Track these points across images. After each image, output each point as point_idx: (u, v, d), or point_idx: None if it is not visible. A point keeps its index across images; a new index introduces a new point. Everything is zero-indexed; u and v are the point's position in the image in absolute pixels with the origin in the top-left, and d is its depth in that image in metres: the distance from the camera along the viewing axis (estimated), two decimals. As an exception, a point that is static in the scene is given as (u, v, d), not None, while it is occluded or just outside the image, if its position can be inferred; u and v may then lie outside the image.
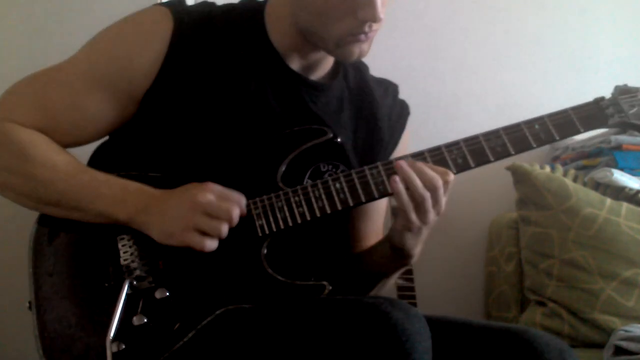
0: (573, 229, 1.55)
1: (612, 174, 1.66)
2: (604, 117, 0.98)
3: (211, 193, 0.91)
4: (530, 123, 0.97)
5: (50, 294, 0.96)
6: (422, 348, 0.77)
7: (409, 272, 1.66)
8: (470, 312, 1.90)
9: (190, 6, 1.05)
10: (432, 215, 0.94)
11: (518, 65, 1.93)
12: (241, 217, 0.94)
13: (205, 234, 0.90)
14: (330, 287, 0.94)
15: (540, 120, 0.97)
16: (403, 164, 0.93)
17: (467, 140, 0.97)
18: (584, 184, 1.66)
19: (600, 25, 1.96)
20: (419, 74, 1.95)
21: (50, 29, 1.54)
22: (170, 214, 0.92)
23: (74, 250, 0.98)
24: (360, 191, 0.95)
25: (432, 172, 0.93)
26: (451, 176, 0.94)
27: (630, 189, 1.64)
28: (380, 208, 1.19)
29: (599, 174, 1.68)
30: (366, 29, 0.95)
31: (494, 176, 1.87)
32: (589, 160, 1.77)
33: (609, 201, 1.57)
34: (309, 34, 0.99)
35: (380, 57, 1.70)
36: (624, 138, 1.73)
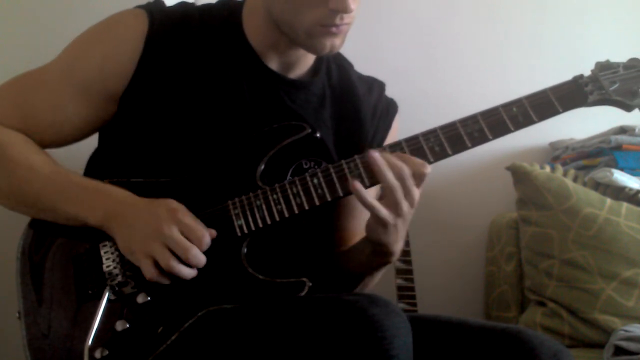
0: (573, 229, 1.55)
1: (612, 174, 1.66)
2: (583, 95, 0.95)
3: (176, 226, 0.90)
4: (508, 106, 0.95)
5: (37, 303, 0.97)
6: (400, 343, 0.77)
7: (409, 272, 1.66)
8: (470, 312, 1.90)
9: (167, 7, 1.06)
10: (405, 207, 0.91)
11: (518, 66, 1.93)
12: (220, 218, 0.95)
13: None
14: (311, 284, 0.93)
15: (518, 102, 0.95)
16: (374, 154, 0.92)
17: (443, 127, 0.94)
18: (584, 184, 1.66)
19: (600, 25, 1.96)
20: (417, 74, 1.94)
21: (50, 29, 1.54)
22: (134, 232, 0.92)
23: (60, 259, 0.99)
24: (337, 185, 0.94)
25: (398, 162, 0.91)
26: (428, 168, 0.91)
27: (630, 189, 1.64)
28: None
29: (599, 174, 1.68)
30: (337, 20, 0.93)
31: (494, 176, 1.88)
32: (589, 160, 1.78)
33: (609, 201, 1.57)
34: (281, 24, 0.98)
35: (379, 58, 1.71)
36: (624, 138, 1.73)
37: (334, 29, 0.94)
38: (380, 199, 0.93)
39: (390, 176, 0.90)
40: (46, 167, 1.00)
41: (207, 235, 0.92)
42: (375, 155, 0.91)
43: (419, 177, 0.91)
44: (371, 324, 0.76)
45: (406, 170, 0.90)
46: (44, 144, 1.04)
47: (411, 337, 0.80)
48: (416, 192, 0.92)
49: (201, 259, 0.91)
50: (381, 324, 0.76)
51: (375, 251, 0.99)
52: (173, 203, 0.93)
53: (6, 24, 1.56)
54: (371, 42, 1.91)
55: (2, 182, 1.01)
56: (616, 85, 0.96)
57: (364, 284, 1.10)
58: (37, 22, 1.55)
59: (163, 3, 1.06)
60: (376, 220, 0.93)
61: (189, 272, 0.91)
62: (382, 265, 1.04)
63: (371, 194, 1.17)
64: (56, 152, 1.07)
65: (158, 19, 1.02)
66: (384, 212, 0.91)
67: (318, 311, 0.82)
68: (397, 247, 0.98)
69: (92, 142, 1.11)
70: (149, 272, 0.90)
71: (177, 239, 0.90)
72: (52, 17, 1.54)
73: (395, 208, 0.91)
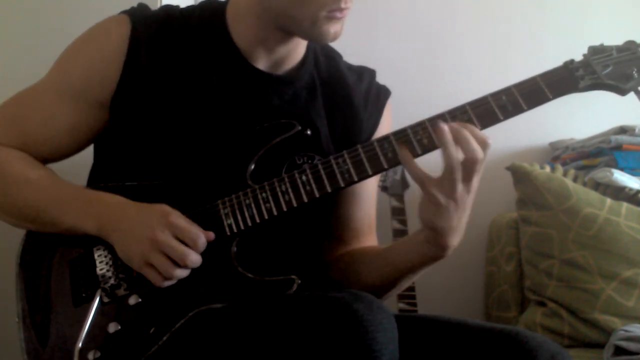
0: (573, 229, 1.55)
1: (612, 174, 1.66)
2: (574, 81, 0.92)
3: (170, 230, 0.91)
4: (497, 95, 0.92)
5: (35, 307, 0.98)
6: (384, 339, 0.77)
7: (409, 272, 1.66)
8: (470, 312, 1.90)
9: (150, 11, 1.06)
10: (459, 189, 0.87)
11: (518, 66, 1.93)
12: (210, 218, 0.95)
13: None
14: (300, 281, 0.93)
15: (507, 91, 0.92)
16: (444, 127, 0.88)
17: (432, 119, 0.92)
18: (584, 184, 1.66)
19: (600, 26, 1.96)
20: (418, 74, 1.95)
21: (50, 29, 1.54)
22: (130, 238, 0.92)
23: (57, 263, 1.00)
24: (325, 181, 0.93)
25: (475, 143, 0.87)
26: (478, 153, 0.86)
27: (630, 189, 1.64)
28: (369, 195, 1.17)
29: (599, 174, 1.68)
30: (342, 4, 0.94)
31: (494, 176, 1.87)
32: (589, 160, 1.78)
33: (609, 201, 1.58)
34: (281, 18, 0.97)
35: (380, 58, 1.71)
36: (624, 138, 1.74)
37: (338, 14, 0.95)
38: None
39: (454, 152, 0.86)
40: (43, 181, 1.01)
41: (202, 237, 0.92)
42: (444, 128, 0.87)
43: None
44: (355, 319, 0.77)
45: (479, 155, 0.86)
46: (43, 159, 1.06)
47: (396, 333, 0.80)
48: (475, 178, 0.88)
49: (198, 261, 0.92)
50: (365, 319, 0.77)
51: (429, 240, 0.95)
52: (165, 207, 0.93)
53: (6, 24, 1.56)
54: (370, 41, 1.92)
55: (2, 201, 1.02)
56: (609, 69, 0.93)
57: (404, 283, 1.06)
58: (37, 22, 1.55)
59: (147, 7, 1.07)
60: (428, 198, 0.90)
61: (186, 273, 0.92)
62: (432, 260, 0.98)
63: (372, 192, 1.18)
64: (58, 165, 1.08)
65: (141, 23, 1.02)
66: (433, 189, 0.88)
67: (304, 308, 0.82)
68: (452, 240, 0.93)
69: (92, 151, 1.12)
70: (156, 280, 0.91)
71: (173, 245, 0.90)
72: (52, 17, 1.54)
73: (448, 187, 0.87)
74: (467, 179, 0.88)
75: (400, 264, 1.02)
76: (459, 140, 0.87)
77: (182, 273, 0.91)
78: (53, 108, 1.03)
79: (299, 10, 0.94)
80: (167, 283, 0.92)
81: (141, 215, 0.93)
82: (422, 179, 0.89)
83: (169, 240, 0.90)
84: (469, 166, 0.87)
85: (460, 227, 0.93)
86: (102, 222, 0.95)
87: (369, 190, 1.17)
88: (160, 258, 0.90)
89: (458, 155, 0.86)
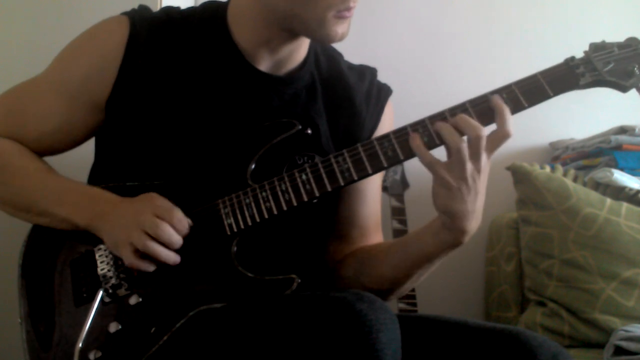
0: (573, 229, 1.55)
1: (612, 174, 1.66)
2: (574, 78, 0.92)
3: (152, 211, 0.91)
4: (497, 93, 0.92)
5: (37, 308, 0.99)
6: (387, 339, 0.77)
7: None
8: (470, 312, 1.90)
9: (151, 13, 1.07)
10: (469, 169, 0.88)
11: (518, 64, 1.93)
12: (210, 217, 0.95)
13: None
14: (300, 280, 0.93)
15: (507, 88, 0.92)
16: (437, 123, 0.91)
17: (432, 117, 0.92)
18: (584, 184, 1.66)
19: (600, 26, 1.96)
20: (418, 73, 1.95)
21: (50, 29, 1.54)
22: (117, 225, 0.93)
23: (59, 264, 1.01)
24: (325, 180, 0.93)
25: (474, 121, 0.89)
26: (483, 131, 0.88)
27: (630, 189, 1.64)
28: (375, 193, 1.17)
29: (599, 174, 1.68)
30: (351, 3, 0.93)
31: (494, 176, 1.86)
32: (589, 160, 1.78)
33: (609, 201, 1.58)
34: (288, 19, 0.97)
35: (380, 57, 1.71)
36: (624, 138, 1.73)
37: (346, 13, 0.94)
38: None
39: (452, 133, 0.88)
40: (40, 173, 1.03)
41: (179, 212, 0.92)
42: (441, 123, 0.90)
43: (491, 142, 0.89)
44: (358, 319, 0.77)
45: (480, 131, 0.88)
46: (39, 152, 1.07)
47: (399, 333, 0.80)
48: (484, 157, 0.89)
49: (173, 236, 0.91)
50: (367, 319, 0.77)
51: (446, 225, 0.95)
52: (150, 194, 0.95)
53: (6, 23, 1.56)
54: (370, 41, 1.92)
55: (1, 189, 1.04)
56: (610, 66, 0.93)
57: (421, 273, 1.05)
58: (37, 22, 1.55)
59: (148, 9, 1.07)
60: (439, 183, 0.90)
61: (166, 253, 0.91)
62: (450, 248, 0.98)
63: (376, 189, 1.18)
64: (59, 166, 1.08)
65: (140, 24, 1.02)
66: (442, 171, 0.89)
67: (306, 308, 0.82)
68: (469, 224, 0.93)
69: (92, 149, 1.12)
70: (127, 257, 0.91)
71: (149, 219, 0.90)
72: (52, 17, 1.54)
73: (457, 168, 0.88)
74: (475, 157, 0.89)
75: (417, 254, 1.02)
76: (458, 124, 0.89)
77: (159, 250, 0.90)
78: (49, 105, 1.04)
79: (306, 10, 0.94)
80: (142, 264, 0.91)
81: (129, 206, 0.95)
82: (432, 163, 0.90)
83: (148, 217, 0.91)
84: (475, 144, 0.88)
85: (476, 211, 0.93)
86: (95, 214, 0.96)
87: (374, 188, 1.17)
88: (138, 233, 0.90)
89: (457, 138, 0.89)
